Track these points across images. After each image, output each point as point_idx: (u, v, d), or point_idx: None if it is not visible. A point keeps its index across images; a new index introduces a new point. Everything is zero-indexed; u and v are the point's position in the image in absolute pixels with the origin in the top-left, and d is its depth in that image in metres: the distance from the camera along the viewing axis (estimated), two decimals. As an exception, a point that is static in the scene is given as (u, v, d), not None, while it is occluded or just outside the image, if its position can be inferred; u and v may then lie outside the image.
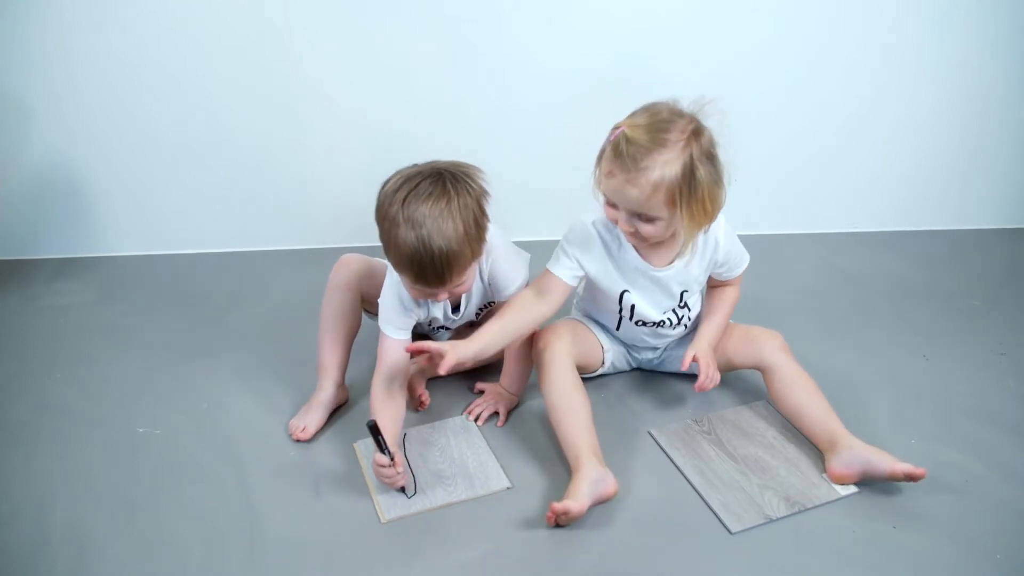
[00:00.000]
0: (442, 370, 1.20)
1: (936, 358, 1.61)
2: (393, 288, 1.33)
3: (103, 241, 2.03)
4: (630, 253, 1.31)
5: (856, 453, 1.23)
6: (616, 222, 1.23)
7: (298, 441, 1.34)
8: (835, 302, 1.84)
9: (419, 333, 1.65)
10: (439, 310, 1.38)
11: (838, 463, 1.25)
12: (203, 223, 2.03)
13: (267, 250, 2.06)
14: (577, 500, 1.14)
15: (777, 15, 1.92)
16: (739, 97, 2.00)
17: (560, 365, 1.32)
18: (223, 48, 1.83)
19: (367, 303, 1.45)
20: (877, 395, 1.48)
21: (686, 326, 1.44)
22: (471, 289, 1.35)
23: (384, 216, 1.19)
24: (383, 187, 1.22)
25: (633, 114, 1.21)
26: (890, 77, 2.02)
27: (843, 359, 1.59)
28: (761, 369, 1.40)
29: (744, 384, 1.51)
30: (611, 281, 1.34)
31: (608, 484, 1.19)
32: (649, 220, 1.19)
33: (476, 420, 1.40)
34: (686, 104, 1.20)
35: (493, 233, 1.30)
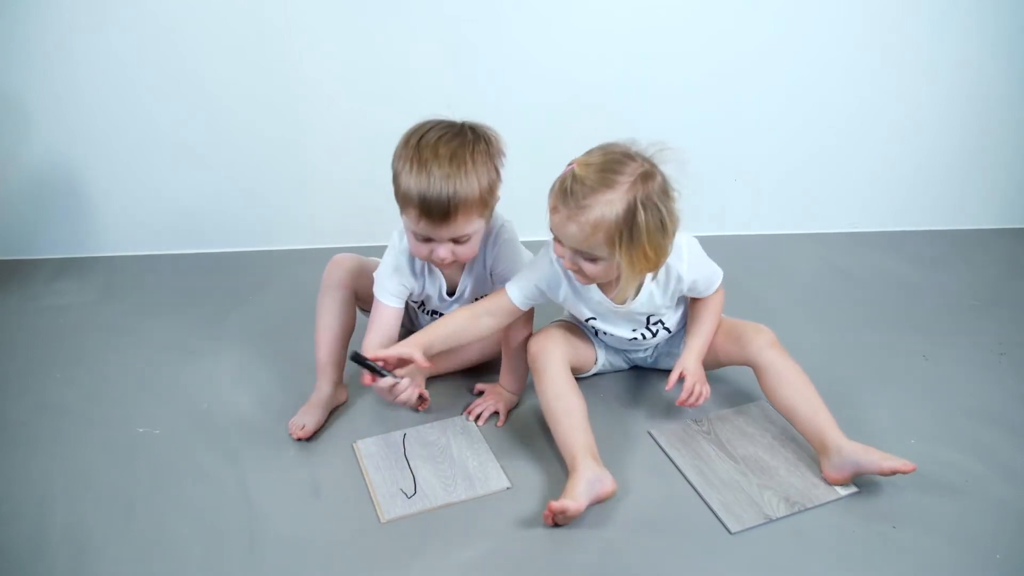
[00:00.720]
0: (420, 364, 1.22)
1: (936, 358, 1.61)
2: (393, 254, 1.35)
3: (103, 241, 2.03)
4: (592, 288, 1.31)
5: (844, 456, 1.22)
6: (562, 257, 1.22)
7: (298, 440, 1.35)
8: (835, 302, 1.84)
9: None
10: (435, 287, 1.39)
11: (829, 467, 1.25)
12: (203, 223, 2.03)
13: (267, 250, 2.06)
14: (575, 499, 1.14)
15: (777, 15, 1.92)
16: (739, 97, 2.01)
17: (554, 368, 1.32)
18: (223, 48, 1.83)
19: (361, 301, 1.46)
20: (877, 395, 1.48)
21: (669, 331, 1.43)
22: (470, 270, 1.36)
23: (399, 154, 1.22)
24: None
25: (589, 152, 1.20)
26: (890, 77, 2.02)
27: (843, 359, 1.59)
28: (752, 367, 1.39)
29: (743, 384, 1.51)
30: (577, 310, 1.36)
31: (606, 483, 1.19)
32: (591, 259, 1.18)
33: (476, 420, 1.41)
34: (645, 146, 1.18)
35: (511, 228, 1.34)
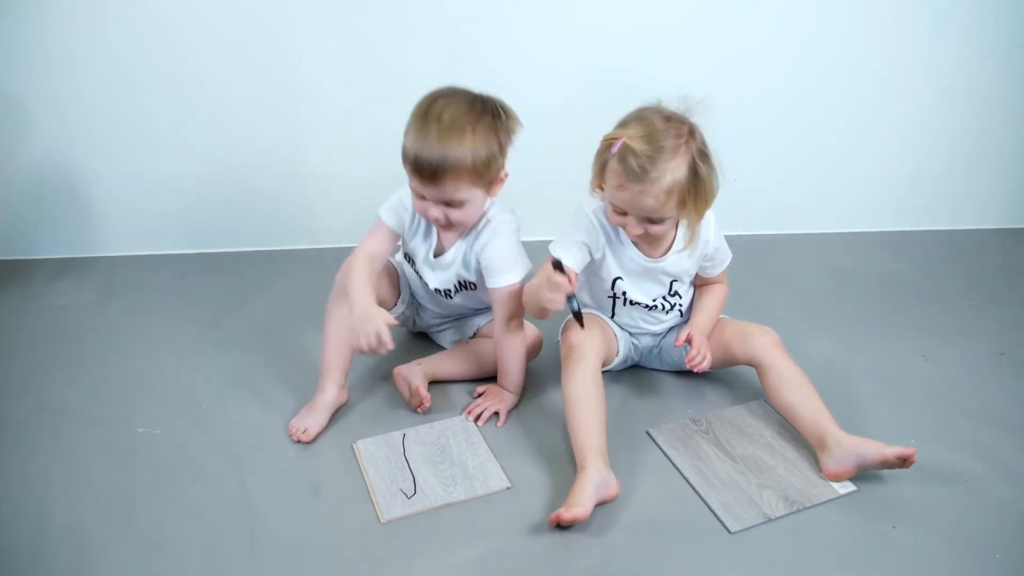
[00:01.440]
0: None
1: (936, 358, 1.61)
2: (404, 191, 1.38)
3: (103, 241, 2.03)
4: (628, 244, 1.37)
5: (845, 449, 1.24)
6: (623, 226, 1.29)
7: (298, 442, 1.34)
8: (835, 302, 1.84)
9: (414, 332, 1.66)
10: (424, 244, 1.42)
11: (830, 461, 1.25)
12: (203, 223, 2.03)
13: (267, 250, 2.06)
14: (583, 506, 1.15)
15: (777, 15, 1.92)
16: (739, 97, 2.00)
17: (587, 362, 1.33)
18: (223, 48, 1.83)
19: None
20: (876, 395, 1.48)
21: (680, 312, 1.48)
22: (464, 242, 1.38)
23: (412, 114, 1.27)
24: None
25: (625, 123, 1.25)
26: (890, 77, 2.02)
27: (842, 359, 1.59)
28: (755, 366, 1.41)
29: (741, 383, 1.51)
30: (608, 268, 1.39)
31: (611, 487, 1.20)
32: (660, 221, 1.26)
33: (476, 421, 1.41)
34: (673, 105, 1.26)
35: (513, 222, 1.38)
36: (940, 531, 1.17)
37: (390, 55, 1.87)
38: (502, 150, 1.29)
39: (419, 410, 1.42)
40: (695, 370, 1.36)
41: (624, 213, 1.26)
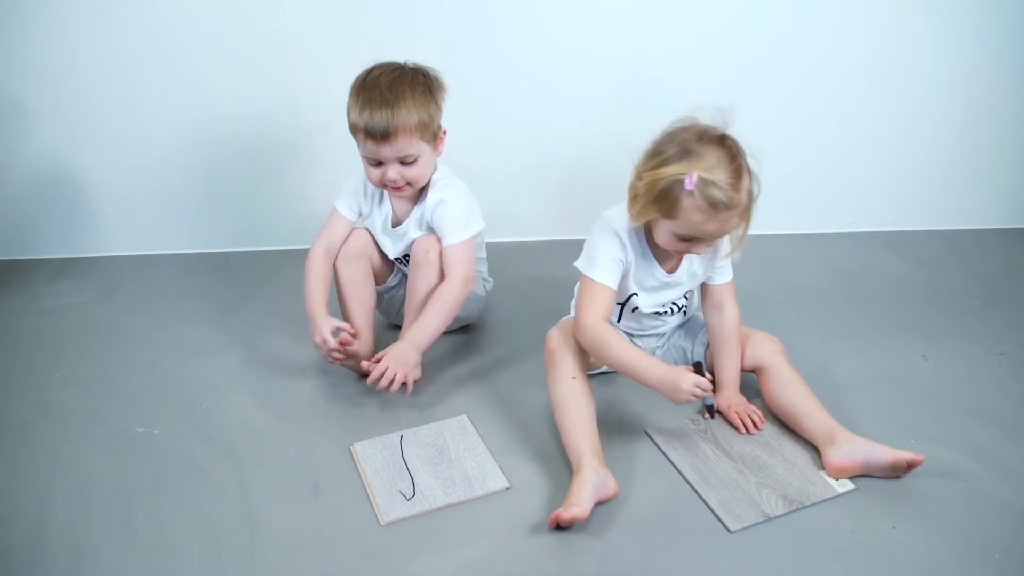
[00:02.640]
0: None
1: (935, 358, 1.61)
2: (353, 179, 1.52)
3: (103, 241, 2.03)
4: (651, 260, 1.36)
5: (855, 446, 1.25)
6: (686, 251, 1.29)
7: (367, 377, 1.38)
8: (834, 302, 1.84)
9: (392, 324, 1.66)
10: (381, 215, 1.51)
11: (838, 454, 1.25)
12: (203, 223, 2.03)
13: (267, 250, 2.06)
14: (582, 506, 1.15)
15: (776, 15, 1.92)
16: (739, 96, 1.98)
17: (568, 363, 1.33)
18: (223, 48, 1.83)
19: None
20: (876, 395, 1.48)
21: (685, 312, 1.49)
22: (416, 208, 1.47)
23: (350, 96, 1.38)
24: None
25: (686, 153, 1.20)
26: (889, 77, 2.02)
27: (842, 359, 1.59)
28: (757, 370, 1.42)
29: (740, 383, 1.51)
30: (627, 285, 1.38)
31: (609, 486, 1.20)
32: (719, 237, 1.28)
33: (387, 390, 1.35)
34: (707, 119, 1.24)
35: (456, 182, 1.47)
36: (940, 531, 1.17)
37: (390, 55, 1.86)
38: (438, 108, 1.40)
39: (406, 394, 1.40)
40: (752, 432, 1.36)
41: (691, 240, 1.25)
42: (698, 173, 1.18)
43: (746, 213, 1.24)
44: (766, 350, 1.41)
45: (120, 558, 1.12)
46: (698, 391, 1.24)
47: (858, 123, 2.07)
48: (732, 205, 1.19)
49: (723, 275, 1.43)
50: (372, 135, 1.34)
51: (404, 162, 1.38)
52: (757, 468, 1.29)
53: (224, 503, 1.22)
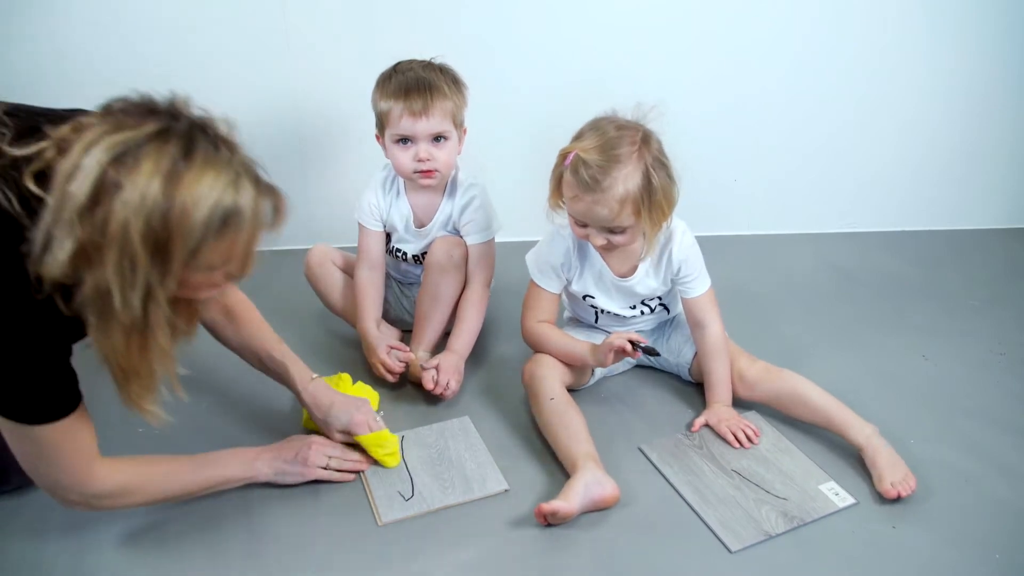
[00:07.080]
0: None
1: (935, 358, 1.61)
2: (372, 187, 1.53)
3: (103, 241, 2.03)
4: (597, 261, 1.38)
5: (890, 450, 1.27)
6: (586, 238, 1.29)
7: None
8: (834, 302, 1.84)
9: (398, 322, 1.66)
10: (401, 214, 1.52)
11: (887, 470, 1.24)
12: (203, 223, 2.03)
13: (267, 250, 2.05)
14: (568, 500, 1.14)
15: (775, 15, 1.92)
16: (738, 96, 2.01)
17: (546, 388, 1.34)
18: (223, 48, 1.83)
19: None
20: (876, 395, 1.48)
21: (667, 309, 1.48)
22: (443, 208, 1.50)
23: (379, 83, 1.42)
24: None
25: (579, 136, 1.26)
26: (888, 76, 2.02)
27: (842, 359, 1.59)
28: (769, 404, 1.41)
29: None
30: (581, 284, 1.41)
31: (606, 488, 1.18)
32: (620, 231, 1.26)
33: (442, 395, 1.43)
34: (628, 114, 1.26)
35: (483, 188, 1.51)
36: (940, 531, 1.17)
37: (390, 55, 1.86)
38: (464, 100, 1.44)
39: (390, 377, 1.47)
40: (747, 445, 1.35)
41: (585, 225, 1.26)
42: (578, 151, 1.21)
43: (624, 207, 1.21)
44: (764, 380, 1.39)
45: (120, 558, 1.12)
46: (619, 341, 1.26)
47: (858, 123, 2.07)
48: (596, 189, 1.19)
49: (696, 287, 1.39)
50: (411, 108, 1.37)
51: (437, 140, 1.41)
52: (755, 484, 1.26)
53: (224, 503, 1.22)
